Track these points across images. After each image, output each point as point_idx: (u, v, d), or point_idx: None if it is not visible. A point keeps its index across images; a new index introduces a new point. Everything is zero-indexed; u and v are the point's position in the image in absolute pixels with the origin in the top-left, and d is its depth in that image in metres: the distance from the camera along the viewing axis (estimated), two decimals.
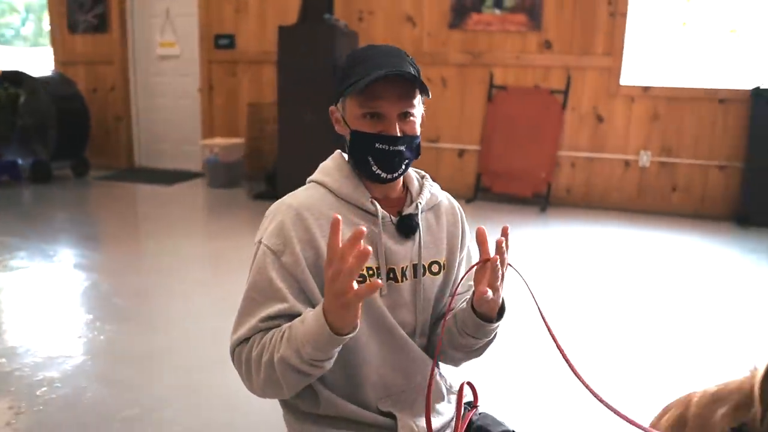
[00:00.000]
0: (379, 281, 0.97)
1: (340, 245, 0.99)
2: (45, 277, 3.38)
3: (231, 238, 4.26)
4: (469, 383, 1.37)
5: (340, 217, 1.00)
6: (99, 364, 2.35)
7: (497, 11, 5.42)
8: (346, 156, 1.33)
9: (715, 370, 2.42)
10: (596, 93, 5.39)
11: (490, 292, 1.13)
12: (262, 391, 1.19)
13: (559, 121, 5.41)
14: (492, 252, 1.17)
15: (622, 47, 5.25)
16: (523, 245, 4.04)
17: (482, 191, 5.54)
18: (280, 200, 1.28)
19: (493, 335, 1.30)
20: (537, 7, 5.33)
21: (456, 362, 1.39)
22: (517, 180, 5.41)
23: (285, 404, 1.33)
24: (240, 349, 1.20)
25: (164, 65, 6.65)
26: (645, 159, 5.37)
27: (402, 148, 1.21)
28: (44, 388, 2.12)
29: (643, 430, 1.04)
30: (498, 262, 1.15)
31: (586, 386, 1.10)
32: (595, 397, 1.10)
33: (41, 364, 2.31)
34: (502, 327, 1.25)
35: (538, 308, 1.22)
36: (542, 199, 5.40)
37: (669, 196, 5.37)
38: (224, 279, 3.44)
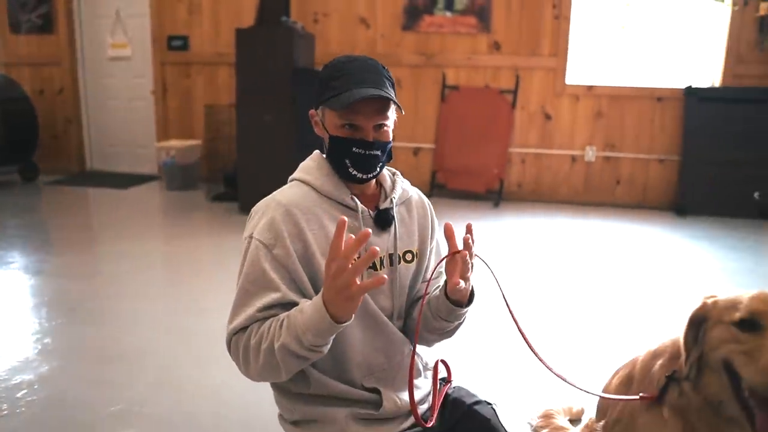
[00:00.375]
0: (385, 276, 1.09)
1: (343, 245, 1.11)
2: (8, 283, 3.34)
3: (193, 240, 4.28)
4: (443, 361, 1.52)
5: (346, 219, 1.12)
6: (77, 365, 2.38)
7: (448, 14, 5.60)
8: (323, 156, 1.45)
9: (660, 337, 2.65)
10: (543, 92, 5.65)
11: (462, 283, 1.27)
12: (259, 375, 1.29)
13: (509, 119, 5.64)
14: (460, 248, 1.31)
15: (567, 49, 5.52)
16: (478, 238, 4.23)
17: (438, 188, 5.72)
18: (268, 198, 1.39)
19: (463, 318, 1.45)
20: (486, 10, 5.54)
21: (429, 343, 1.53)
22: (471, 176, 5.61)
23: (276, 387, 1.44)
24: (237, 338, 1.29)
25: (116, 67, 6.55)
26: (590, 154, 5.67)
27: (377, 152, 1.34)
28: (24, 391, 2.14)
29: (591, 394, 1.21)
30: (467, 256, 1.29)
31: (541, 359, 1.26)
32: (548, 368, 1.27)
33: (17, 368, 2.32)
34: (472, 310, 1.39)
35: (503, 294, 1.37)
36: (495, 195, 5.62)
37: (613, 188, 5.69)
38: (192, 279, 3.48)
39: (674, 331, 1.24)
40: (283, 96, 4.57)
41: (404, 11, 5.67)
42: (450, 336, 1.49)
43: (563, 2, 5.45)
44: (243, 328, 1.29)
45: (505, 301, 1.39)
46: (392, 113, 1.38)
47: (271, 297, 1.27)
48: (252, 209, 1.39)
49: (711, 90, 5.43)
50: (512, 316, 1.37)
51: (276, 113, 4.61)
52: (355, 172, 1.35)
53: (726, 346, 1.09)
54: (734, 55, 5.37)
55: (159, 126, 6.35)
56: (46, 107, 6.53)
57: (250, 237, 1.33)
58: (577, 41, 5.63)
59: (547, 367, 1.34)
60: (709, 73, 5.56)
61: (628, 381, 1.32)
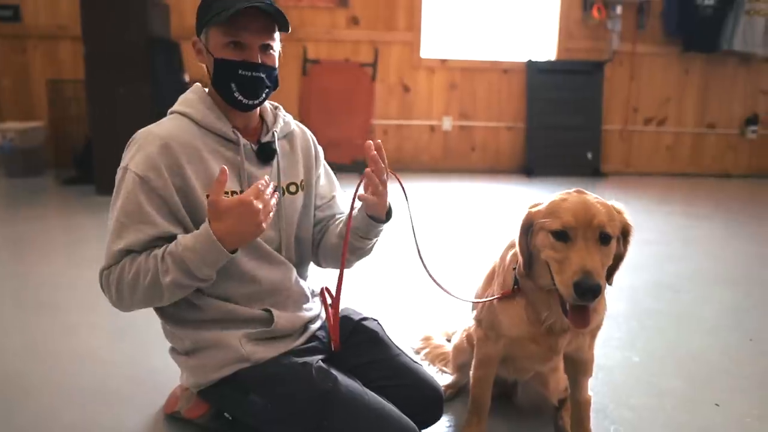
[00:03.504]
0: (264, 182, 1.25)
1: (222, 186, 1.23)
2: None
3: (47, 224, 3.97)
4: (326, 288, 1.61)
5: (226, 169, 1.23)
6: None
7: None
8: (204, 89, 1.45)
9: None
10: (401, 65, 5.90)
11: (369, 198, 1.39)
12: (134, 307, 1.34)
13: (370, 92, 5.82)
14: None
15: (420, 23, 5.81)
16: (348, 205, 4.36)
17: None
18: (144, 129, 1.37)
19: (380, 234, 1.54)
20: None
21: (350, 264, 1.58)
22: (336, 148, 5.70)
23: (165, 315, 1.44)
24: (109, 273, 1.30)
25: None
26: (447, 124, 6.03)
27: (263, 75, 1.36)
28: None
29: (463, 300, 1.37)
30: (373, 172, 1.37)
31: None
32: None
33: None
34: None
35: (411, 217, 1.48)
36: (361, 165, 5.76)
37: (469, 155, 6.11)
38: (51, 259, 3.25)
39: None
40: (138, 67, 4.35)
41: None
42: (368, 254, 1.58)
43: None
44: (116, 263, 1.30)
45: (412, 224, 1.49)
46: (278, 39, 1.39)
47: (146, 233, 1.28)
48: (131, 138, 1.36)
49: (548, 63, 6.01)
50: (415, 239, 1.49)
51: (131, 86, 4.38)
52: (240, 97, 1.36)
53: (546, 252, 1.27)
54: (565, 32, 5.99)
55: None
56: None
57: (125, 168, 1.31)
58: (430, 17, 5.93)
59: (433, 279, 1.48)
60: (546, 48, 6.14)
61: (492, 275, 1.52)
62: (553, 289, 1.28)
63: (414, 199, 4.79)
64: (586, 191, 1.34)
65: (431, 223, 4.15)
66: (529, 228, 1.33)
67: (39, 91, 5.61)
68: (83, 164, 5.09)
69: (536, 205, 1.36)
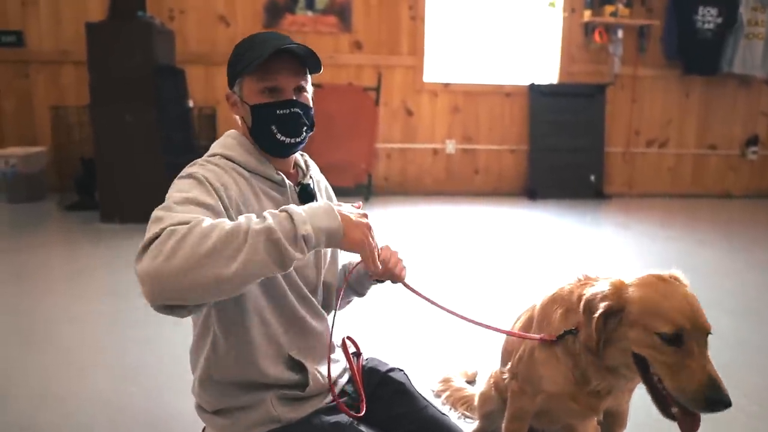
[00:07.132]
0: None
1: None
2: None
3: (50, 252, 3.94)
4: (348, 337, 1.59)
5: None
6: None
7: (309, 13, 5.66)
8: (240, 134, 1.43)
9: (528, 298, 2.93)
10: (404, 89, 5.91)
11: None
12: (179, 275, 1.00)
13: (373, 115, 5.83)
14: None
15: (423, 48, 5.83)
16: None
17: None
18: (196, 162, 1.31)
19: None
20: (346, 10, 5.68)
21: (345, 305, 1.63)
22: (340, 172, 5.70)
23: (199, 377, 1.40)
24: (174, 228, 1.04)
25: None
26: (450, 147, 6.04)
27: (300, 111, 1.35)
28: None
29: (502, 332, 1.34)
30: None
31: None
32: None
33: None
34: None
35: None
36: (364, 189, 5.78)
37: (472, 178, 6.11)
38: (56, 289, 3.21)
39: (567, 281, 1.40)
40: (144, 94, 4.34)
41: (265, 9, 5.63)
42: (362, 296, 1.63)
43: (418, 4, 5.75)
44: (181, 223, 1.06)
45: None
46: (310, 82, 1.39)
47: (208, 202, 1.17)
48: (184, 170, 1.28)
49: (550, 86, 6.04)
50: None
51: (137, 113, 4.37)
52: (282, 138, 1.34)
53: (647, 351, 1.15)
54: (567, 55, 6.03)
55: None
56: None
57: (189, 175, 1.24)
58: (433, 41, 5.97)
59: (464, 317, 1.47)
60: (549, 71, 6.17)
61: (528, 324, 1.48)
62: (620, 367, 1.23)
63: (419, 222, 4.82)
64: (680, 279, 1.25)
65: (436, 247, 4.13)
66: (615, 314, 1.20)
67: (42, 116, 5.60)
68: (85, 188, 5.07)
69: (622, 287, 1.22)
